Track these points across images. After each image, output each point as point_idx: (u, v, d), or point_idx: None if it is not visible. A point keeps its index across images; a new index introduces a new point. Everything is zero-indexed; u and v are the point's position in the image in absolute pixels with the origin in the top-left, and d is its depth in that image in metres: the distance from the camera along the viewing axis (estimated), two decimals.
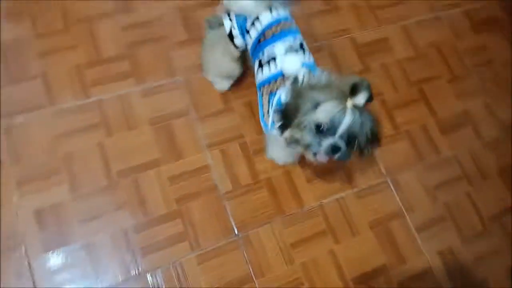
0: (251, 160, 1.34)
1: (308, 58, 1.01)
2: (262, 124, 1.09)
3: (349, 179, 1.38)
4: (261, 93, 1.05)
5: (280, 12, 1.03)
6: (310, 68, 0.97)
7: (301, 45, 1.02)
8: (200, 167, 1.31)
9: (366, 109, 0.86)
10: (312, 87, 0.88)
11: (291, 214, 1.29)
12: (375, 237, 1.33)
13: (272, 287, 1.21)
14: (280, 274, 1.23)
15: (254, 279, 1.22)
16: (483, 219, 1.44)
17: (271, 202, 1.29)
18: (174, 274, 1.18)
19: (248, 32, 1.05)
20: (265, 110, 1.03)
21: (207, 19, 1.21)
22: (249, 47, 1.08)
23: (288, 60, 0.97)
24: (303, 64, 0.97)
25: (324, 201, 1.34)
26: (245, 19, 1.04)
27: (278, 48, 0.99)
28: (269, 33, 1.01)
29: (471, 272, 1.34)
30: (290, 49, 0.98)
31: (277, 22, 1.02)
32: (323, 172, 1.35)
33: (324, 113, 0.83)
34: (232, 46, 1.11)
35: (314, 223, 1.29)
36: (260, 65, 1.03)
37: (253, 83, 1.27)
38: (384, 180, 1.40)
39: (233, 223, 1.28)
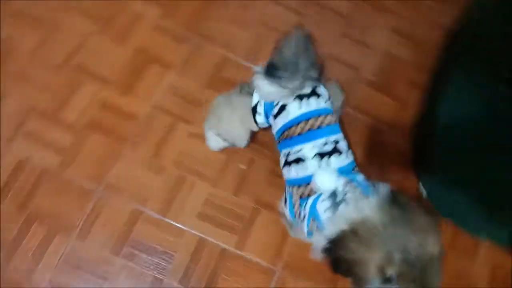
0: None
1: (344, 160, 0.91)
2: (289, 216, 0.99)
3: None
4: (290, 190, 0.96)
5: (312, 104, 0.93)
6: (348, 177, 0.86)
7: (335, 148, 0.91)
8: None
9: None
10: (363, 240, 0.73)
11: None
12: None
13: None
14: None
15: None
16: None
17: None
18: None
19: (273, 116, 0.98)
20: (296, 211, 0.94)
21: (241, 84, 1.10)
22: (273, 130, 1.01)
23: (321, 176, 0.87)
24: (339, 170, 0.88)
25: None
26: (272, 104, 0.97)
27: (307, 151, 0.91)
28: (295, 131, 0.93)
29: None
30: (320, 156, 0.89)
31: (305, 117, 0.93)
32: None
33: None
34: (252, 119, 1.03)
35: None
36: (287, 162, 0.95)
37: None
38: None
39: (283, 257, 1.26)
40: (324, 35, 1.52)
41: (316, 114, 0.93)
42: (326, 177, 0.87)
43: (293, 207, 0.97)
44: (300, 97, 0.93)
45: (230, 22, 1.47)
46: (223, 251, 1.23)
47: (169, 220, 1.23)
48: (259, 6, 1.52)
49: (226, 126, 1.13)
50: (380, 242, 0.70)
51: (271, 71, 0.90)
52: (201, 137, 1.30)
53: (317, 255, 0.85)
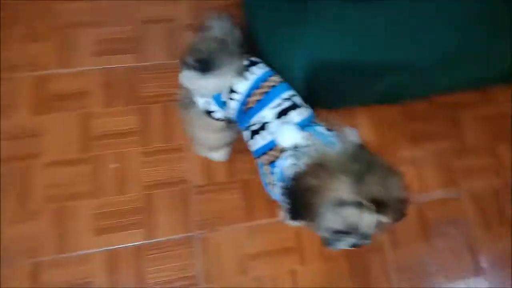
0: (232, 158, 1.31)
1: (303, 113, 0.91)
2: (267, 190, 0.99)
3: None
4: (260, 162, 0.95)
5: (257, 72, 0.94)
6: (309, 129, 0.88)
7: (292, 104, 0.92)
8: (176, 156, 1.32)
9: (395, 189, 0.75)
10: (319, 167, 0.75)
11: (261, 224, 1.27)
12: (348, 263, 1.26)
13: None
14: (231, 283, 1.20)
15: (201, 282, 1.19)
16: None
17: (243, 206, 1.28)
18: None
19: (225, 103, 0.96)
20: (269, 181, 0.94)
21: (178, 99, 1.08)
22: (232, 116, 0.99)
23: (282, 134, 0.87)
24: (300, 124, 0.88)
25: None
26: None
27: (267, 114, 0.91)
28: (250, 101, 0.93)
29: None
30: (280, 113, 0.90)
31: (256, 86, 0.94)
32: None
33: (340, 220, 0.73)
34: (213, 120, 1.01)
35: (283, 238, 1.25)
36: (252, 133, 0.94)
37: None
38: None
39: (193, 219, 1.26)
40: None
41: (263, 78, 0.93)
42: (287, 133, 0.86)
43: (266, 179, 0.95)
44: (243, 72, 0.93)
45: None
46: (137, 249, 1.21)
47: (70, 254, 1.18)
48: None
49: (203, 141, 1.15)
50: (339, 171, 0.71)
51: (205, 67, 0.89)
52: (57, 161, 1.25)
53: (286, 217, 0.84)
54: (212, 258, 1.21)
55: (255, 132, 0.94)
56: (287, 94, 0.93)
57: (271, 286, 1.21)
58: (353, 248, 0.79)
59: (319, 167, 0.74)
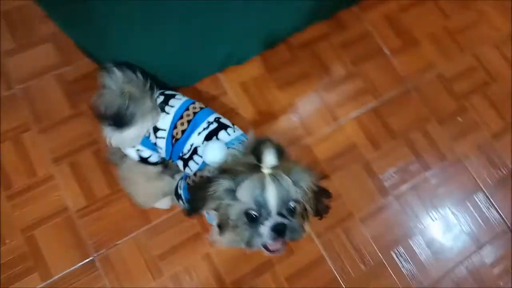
0: (108, 168, 1.25)
1: (232, 132, 0.91)
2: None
3: None
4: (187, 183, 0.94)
5: (176, 104, 0.95)
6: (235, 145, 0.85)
7: (218, 125, 0.91)
8: (47, 188, 1.22)
9: (294, 167, 0.75)
10: (221, 171, 0.76)
11: (160, 221, 1.23)
12: None
13: None
14: None
15: None
16: None
17: (135, 212, 1.23)
18: None
19: (155, 144, 0.96)
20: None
21: (107, 156, 1.09)
22: (164, 155, 0.96)
23: (208, 151, 0.84)
24: (228, 144, 0.86)
25: None
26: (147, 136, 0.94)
27: (195, 140, 0.90)
28: (179, 131, 0.92)
29: None
30: (208, 136, 0.90)
31: (178, 117, 0.93)
32: None
33: (244, 195, 0.71)
34: (150, 167, 1.00)
35: (186, 228, 1.22)
36: (184, 162, 0.92)
37: None
38: None
39: (88, 243, 1.19)
40: None
41: (184, 108, 0.94)
42: (210, 151, 0.84)
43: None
44: (161, 109, 0.93)
45: None
46: None
47: None
48: None
49: (149, 195, 1.13)
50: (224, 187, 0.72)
51: (120, 122, 0.89)
52: None
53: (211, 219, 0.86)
54: (121, 273, 1.18)
55: (188, 159, 0.92)
56: (212, 117, 0.93)
57: (189, 278, 1.21)
58: (278, 241, 0.76)
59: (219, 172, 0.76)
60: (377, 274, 1.28)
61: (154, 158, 1.00)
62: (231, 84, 1.40)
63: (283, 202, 0.71)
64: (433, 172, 1.42)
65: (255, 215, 0.72)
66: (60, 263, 1.16)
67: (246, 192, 0.71)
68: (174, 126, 0.93)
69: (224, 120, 0.94)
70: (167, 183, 1.08)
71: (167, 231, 1.23)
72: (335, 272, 1.27)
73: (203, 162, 0.87)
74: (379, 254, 1.31)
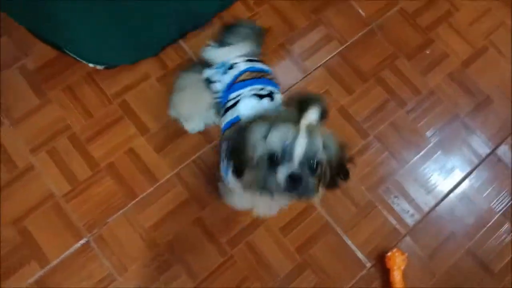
0: (86, 150, 1.28)
1: (274, 104, 0.94)
2: (223, 173, 0.97)
3: (205, 137, 1.31)
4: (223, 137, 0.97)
5: (258, 65, 1.02)
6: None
7: (270, 94, 0.94)
8: (29, 178, 1.25)
9: (330, 133, 0.77)
10: (260, 118, 0.78)
11: (146, 195, 1.24)
12: None
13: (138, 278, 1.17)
14: (145, 261, 1.21)
15: (117, 276, 1.19)
16: None
17: (119, 189, 1.26)
18: None
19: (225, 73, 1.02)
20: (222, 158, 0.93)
21: (192, 64, 1.17)
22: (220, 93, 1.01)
23: (244, 103, 0.89)
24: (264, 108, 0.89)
25: (181, 166, 1.27)
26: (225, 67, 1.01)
27: (245, 93, 0.93)
28: (241, 78, 0.97)
29: None
30: (254, 94, 0.92)
31: (251, 70, 0.99)
32: (173, 137, 1.31)
33: (274, 139, 0.72)
34: (206, 94, 1.05)
35: (174, 195, 1.24)
36: (225, 111, 0.96)
37: (69, 64, 1.32)
38: None
39: (79, 225, 1.22)
40: None
41: (260, 69, 1.00)
42: (247, 103, 0.89)
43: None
44: (250, 60, 1.02)
45: None
46: (39, 282, 1.18)
47: None
48: None
49: (185, 105, 1.16)
50: (260, 127, 0.76)
51: (223, 37, 1.06)
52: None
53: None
54: (116, 249, 1.21)
55: (228, 109, 0.96)
56: (272, 88, 0.97)
57: (185, 245, 1.24)
58: (300, 193, 0.77)
59: (253, 122, 0.78)
60: (368, 213, 1.32)
61: (218, 86, 1.03)
62: (194, 50, 1.42)
63: (308, 157, 0.73)
64: (410, 107, 1.45)
65: (277, 159, 0.73)
66: (56, 248, 1.19)
67: (277, 137, 0.73)
68: (243, 72, 0.99)
69: (276, 96, 0.97)
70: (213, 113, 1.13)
71: (155, 202, 1.26)
72: (327, 217, 1.31)
73: (237, 115, 0.91)
74: (368, 194, 1.34)
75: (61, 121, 1.30)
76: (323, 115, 0.77)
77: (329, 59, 1.49)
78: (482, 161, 1.43)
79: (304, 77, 1.45)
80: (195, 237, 1.24)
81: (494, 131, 1.45)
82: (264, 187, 0.75)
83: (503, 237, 1.34)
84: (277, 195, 0.76)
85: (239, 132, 0.79)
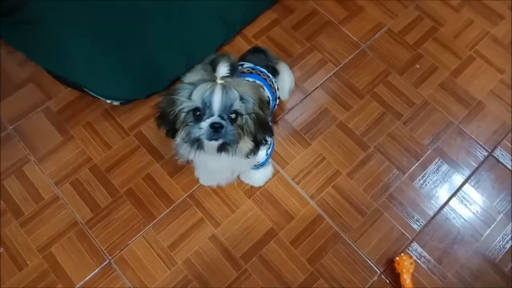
0: (106, 179, 1.42)
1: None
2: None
3: None
4: None
5: (265, 70, 1.22)
6: None
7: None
8: (54, 208, 1.40)
9: (251, 88, 0.91)
10: (184, 84, 0.92)
11: (163, 216, 1.37)
12: (255, 204, 1.39)
13: None
14: (164, 280, 1.31)
15: None
16: None
17: (139, 212, 1.38)
18: None
19: None
20: None
21: None
22: None
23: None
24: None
25: (194, 188, 1.40)
26: None
27: None
28: (243, 70, 1.14)
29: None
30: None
31: (256, 68, 1.18)
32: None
33: (196, 96, 0.86)
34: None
35: (189, 215, 1.36)
36: None
37: (88, 103, 1.51)
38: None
39: (101, 249, 1.33)
40: None
41: (261, 71, 1.21)
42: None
43: None
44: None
45: None
46: None
47: None
48: None
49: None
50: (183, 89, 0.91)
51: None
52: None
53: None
54: (137, 269, 1.31)
55: None
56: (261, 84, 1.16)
57: (201, 261, 1.34)
58: (222, 138, 0.90)
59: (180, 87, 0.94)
60: (375, 221, 1.41)
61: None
62: None
63: (225, 107, 0.86)
64: (406, 118, 1.57)
65: (199, 112, 0.87)
66: (80, 272, 1.30)
67: (197, 94, 0.87)
68: (247, 67, 1.24)
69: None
70: None
71: (172, 222, 1.38)
72: (335, 227, 1.40)
73: None
74: (373, 202, 1.43)
75: (82, 154, 1.46)
76: (234, 68, 0.91)
77: (326, 80, 1.63)
78: (480, 164, 1.51)
79: (304, 98, 1.60)
80: (211, 254, 1.35)
81: (489, 134, 1.55)
82: (193, 139, 0.90)
83: (509, 237, 1.39)
84: (206, 148, 0.93)
85: (167, 97, 0.93)
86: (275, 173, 1.45)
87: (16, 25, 1.19)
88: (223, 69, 0.88)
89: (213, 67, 0.88)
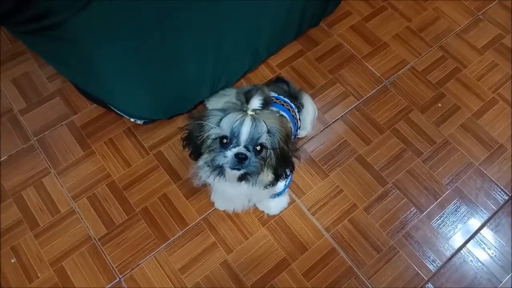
0: (123, 196, 1.47)
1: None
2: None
3: None
4: None
5: (288, 100, 1.30)
6: None
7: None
8: (69, 222, 1.45)
9: (279, 123, 0.96)
10: (216, 110, 0.96)
11: (176, 237, 1.42)
12: (269, 232, 1.43)
13: None
14: None
15: None
16: None
17: (152, 232, 1.42)
18: None
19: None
20: None
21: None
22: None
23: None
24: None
25: (209, 211, 1.44)
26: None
27: None
28: None
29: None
30: None
31: (279, 98, 1.24)
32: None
33: (225, 124, 0.89)
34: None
35: (202, 239, 1.39)
36: None
37: (112, 121, 1.59)
38: None
39: (113, 267, 1.37)
40: None
41: (285, 101, 1.30)
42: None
43: None
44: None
45: None
46: None
47: None
48: None
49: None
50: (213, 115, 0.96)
51: None
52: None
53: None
54: None
55: None
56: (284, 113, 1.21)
57: (212, 285, 1.36)
58: (244, 169, 0.94)
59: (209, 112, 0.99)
60: (390, 259, 1.42)
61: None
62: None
63: (252, 139, 0.90)
64: (425, 156, 1.61)
65: (226, 140, 0.91)
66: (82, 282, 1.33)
67: (227, 122, 0.90)
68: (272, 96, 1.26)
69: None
70: None
71: (185, 245, 1.42)
72: (350, 262, 1.42)
73: None
74: (389, 239, 1.45)
75: (102, 170, 1.52)
76: (266, 102, 0.94)
77: (346, 112, 1.69)
78: (500, 207, 1.53)
79: (324, 128, 1.66)
80: (221, 280, 1.37)
81: (510, 177, 1.58)
82: (216, 165, 0.94)
83: None
84: (227, 175, 0.97)
85: (197, 121, 0.97)
86: (291, 202, 1.48)
87: (51, 41, 1.29)
88: (256, 102, 0.92)
89: (247, 98, 0.93)
